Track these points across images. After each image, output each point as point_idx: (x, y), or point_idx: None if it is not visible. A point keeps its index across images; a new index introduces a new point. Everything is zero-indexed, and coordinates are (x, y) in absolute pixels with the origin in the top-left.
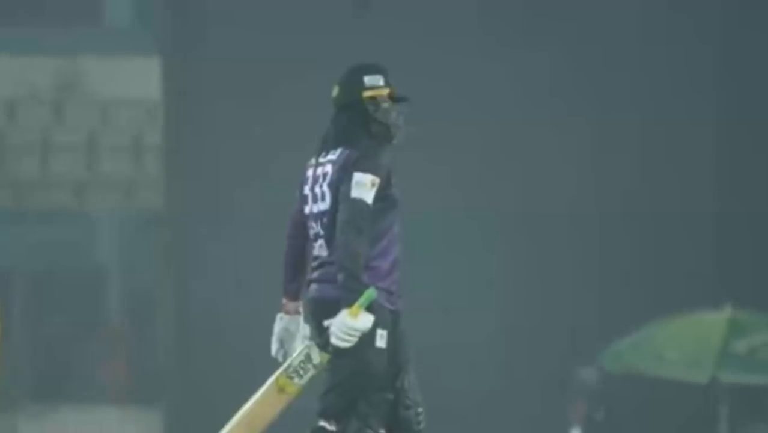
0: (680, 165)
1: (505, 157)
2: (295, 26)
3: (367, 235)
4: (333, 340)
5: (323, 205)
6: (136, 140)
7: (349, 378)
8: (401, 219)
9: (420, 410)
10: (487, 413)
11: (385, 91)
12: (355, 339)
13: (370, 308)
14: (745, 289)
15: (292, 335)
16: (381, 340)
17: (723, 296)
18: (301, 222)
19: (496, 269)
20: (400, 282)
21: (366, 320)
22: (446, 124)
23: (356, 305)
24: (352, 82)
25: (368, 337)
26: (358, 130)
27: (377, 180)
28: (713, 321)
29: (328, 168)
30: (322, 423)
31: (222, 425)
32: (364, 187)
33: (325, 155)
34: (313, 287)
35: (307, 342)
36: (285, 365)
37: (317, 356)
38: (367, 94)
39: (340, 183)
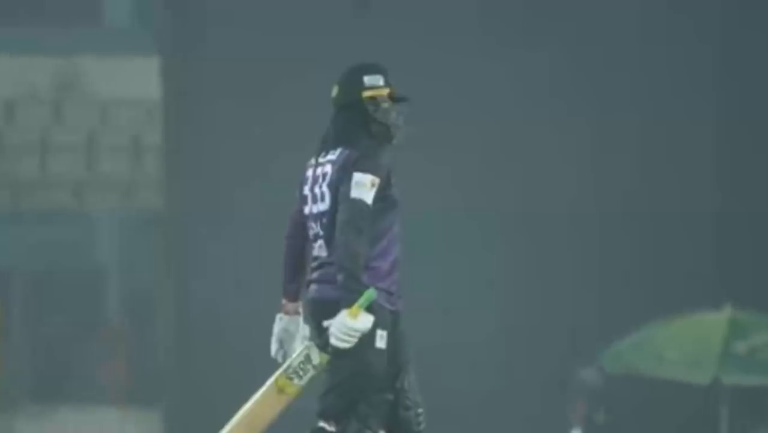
0: (680, 165)
1: (505, 157)
2: (295, 26)
3: (367, 235)
4: (333, 340)
5: (323, 206)
6: (136, 140)
7: (349, 379)
8: (401, 219)
9: (420, 410)
10: (487, 413)
11: (385, 91)
12: (355, 340)
13: (369, 309)
14: (746, 289)
15: (291, 336)
16: (381, 340)
17: (723, 296)
18: (300, 222)
19: (496, 269)
20: (400, 282)
21: (366, 321)
22: (446, 124)
23: (356, 305)
24: (352, 82)
25: (368, 337)
26: (357, 130)
27: (377, 180)
28: (714, 321)
29: (328, 168)
30: (321, 424)
31: (222, 426)
32: (363, 187)
33: (325, 155)
34: (313, 287)
35: (306, 343)
36: (284, 365)
37: (317, 357)
38: (366, 94)
39: (339, 183)
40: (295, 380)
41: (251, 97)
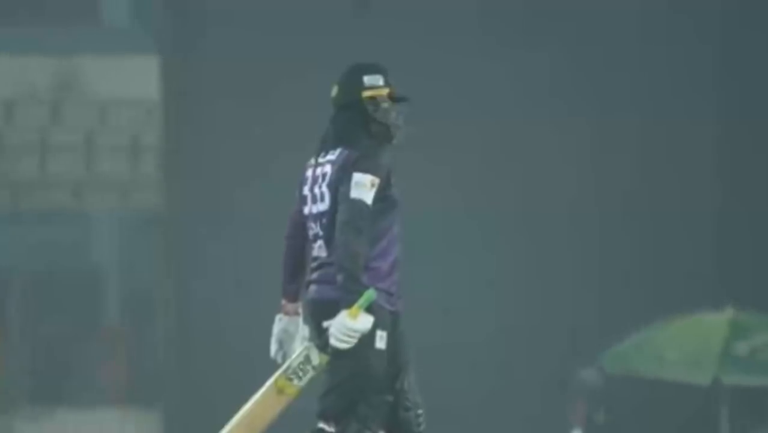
0: (680, 165)
1: (505, 157)
2: (295, 26)
3: (367, 235)
4: (332, 341)
5: (322, 206)
6: (135, 140)
7: (349, 380)
8: (401, 219)
9: (420, 411)
10: (487, 413)
11: (385, 91)
12: (355, 340)
13: (369, 309)
14: (746, 289)
15: (291, 337)
16: (380, 341)
17: (723, 296)
18: (300, 223)
19: (496, 269)
20: (400, 283)
21: (365, 321)
22: (446, 124)
23: (356, 306)
24: (352, 81)
25: (368, 338)
26: (357, 130)
27: (377, 180)
28: (714, 322)
29: (328, 168)
30: (321, 425)
31: (222, 426)
32: (363, 187)
33: (325, 155)
34: (313, 288)
35: (306, 343)
36: (284, 366)
37: (316, 358)
38: (366, 94)
39: (339, 183)
40: (295, 381)
41: (251, 97)
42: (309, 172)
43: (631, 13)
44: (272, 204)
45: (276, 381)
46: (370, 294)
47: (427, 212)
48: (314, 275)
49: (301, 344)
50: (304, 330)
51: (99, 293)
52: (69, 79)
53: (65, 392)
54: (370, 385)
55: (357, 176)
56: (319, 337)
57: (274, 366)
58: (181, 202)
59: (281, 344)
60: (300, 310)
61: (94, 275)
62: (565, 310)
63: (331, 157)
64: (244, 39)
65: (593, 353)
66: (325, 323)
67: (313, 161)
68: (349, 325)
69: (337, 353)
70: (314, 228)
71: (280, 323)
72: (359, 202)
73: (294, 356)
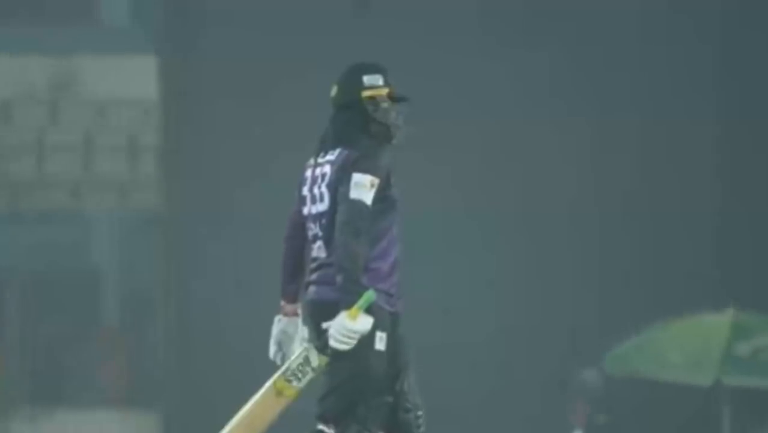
0: (680, 165)
1: (505, 157)
2: (295, 26)
3: (367, 236)
4: (332, 342)
5: (322, 207)
6: (134, 140)
7: (348, 381)
8: (401, 220)
9: (420, 413)
10: (487, 413)
11: (385, 91)
12: (354, 342)
13: (369, 310)
14: (747, 289)
15: (290, 338)
16: (380, 342)
17: (724, 296)
18: (299, 223)
19: (496, 269)
20: (400, 283)
21: (365, 323)
22: (446, 124)
23: (355, 307)
24: (351, 81)
25: (367, 339)
26: (357, 130)
27: (376, 181)
28: (716, 323)
29: (327, 169)
30: (320, 427)
31: (221, 427)
32: (363, 188)
33: (324, 156)
34: (312, 288)
35: (305, 345)
36: (283, 367)
37: (316, 359)
38: (366, 93)
39: (339, 184)
40: (294, 383)
41: (251, 97)
42: (308, 173)
43: (631, 13)
44: (272, 204)
45: (275, 383)
46: (369, 295)
47: (427, 212)
48: (313, 276)
49: (300, 346)
50: (303, 331)
51: (99, 293)
52: (68, 79)
53: (65, 393)
54: (369, 386)
55: (356, 177)
56: (319, 338)
57: (274, 367)
58: (181, 202)
59: (280, 346)
60: (299, 311)
61: (94, 275)
62: (565, 310)
63: (330, 157)
64: (243, 39)
65: (593, 353)
66: (325, 324)
67: (312, 161)
68: (349, 326)
69: (336, 355)
70: (313, 229)
71: (279, 324)
72: (359, 203)
73: (293, 357)
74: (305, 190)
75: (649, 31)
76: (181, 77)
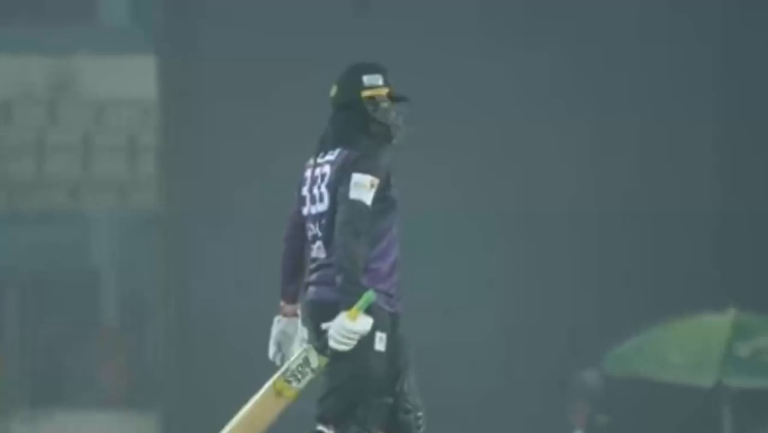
0: (680, 165)
1: (505, 157)
2: (295, 26)
3: (366, 236)
4: (331, 343)
5: (321, 207)
6: (133, 140)
7: (348, 382)
8: (400, 220)
9: (420, 414)
10: (487, 413)
11: (384, 91)
12: (354, 342)
13: (369, 311)
14: (747, 290)
15: (289, 338)
16: (380, 343)
17: (724, 296)
18: (299, 223)
19: (496, 269)
20: (400, 283)
21: (365, 323)
22: (446, 124)
23: (355, 307)
24: (351, 81)
25: (367, 340)
26: (357, 130)
27: (376, 181)
28: (717, 324)
29: (327, 169)
30: (320, 427)
31: (221, 428)
32: (363, 188)
33: (324, 156)
34: (311, 289)
35: (305, 345)
36: (283, 368)
37: (315, 360)
38: (366, 93)
39: (338, 184)
40: (294, 383)
41: (251, 97)
42: (308, 173)
43: (631, 13)
44: (272, 204)
45: (274, 383)
46: (369, 296)
47: (427, 212)
48: (313, 277)
49: (299, 346)
50: (302, 332)
51: (98, 293)
52: (67, 79)
53: (64, 394)
54: (369, 387)
55: (356, 177)
56: (318, 339)
57: (273, 367)
58: (181, 202)
59: (280, 346)
60: (299, 311)
61: (93, 275)
62: (565, 310)
63: (330, 157)
64: (243, 39)
65: (593, 353)
66: (324, 325)
67: (312, 162)
68: (349, 327)
69: (336, 355)
70: (313, 229)
71: (278, 324)
72: (358, 203)
73: (293, 358)
74: (305, 191)
75: (649, 31)
76: (181, 77)
